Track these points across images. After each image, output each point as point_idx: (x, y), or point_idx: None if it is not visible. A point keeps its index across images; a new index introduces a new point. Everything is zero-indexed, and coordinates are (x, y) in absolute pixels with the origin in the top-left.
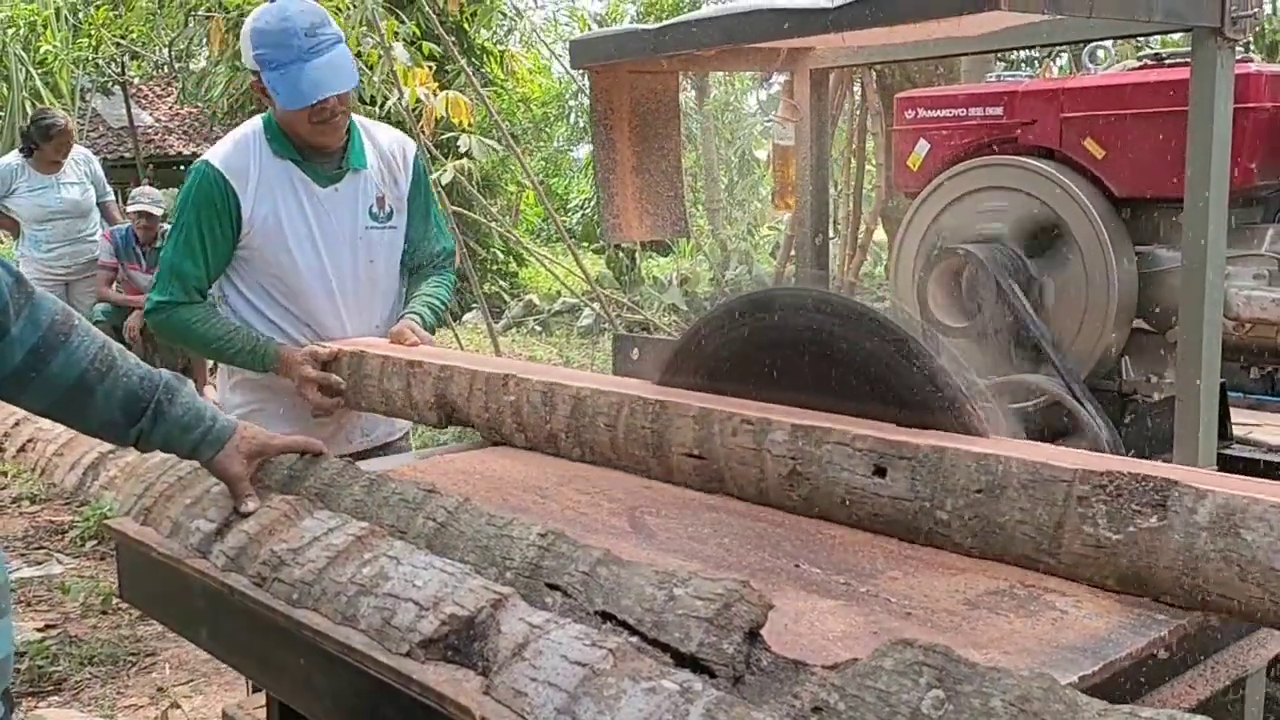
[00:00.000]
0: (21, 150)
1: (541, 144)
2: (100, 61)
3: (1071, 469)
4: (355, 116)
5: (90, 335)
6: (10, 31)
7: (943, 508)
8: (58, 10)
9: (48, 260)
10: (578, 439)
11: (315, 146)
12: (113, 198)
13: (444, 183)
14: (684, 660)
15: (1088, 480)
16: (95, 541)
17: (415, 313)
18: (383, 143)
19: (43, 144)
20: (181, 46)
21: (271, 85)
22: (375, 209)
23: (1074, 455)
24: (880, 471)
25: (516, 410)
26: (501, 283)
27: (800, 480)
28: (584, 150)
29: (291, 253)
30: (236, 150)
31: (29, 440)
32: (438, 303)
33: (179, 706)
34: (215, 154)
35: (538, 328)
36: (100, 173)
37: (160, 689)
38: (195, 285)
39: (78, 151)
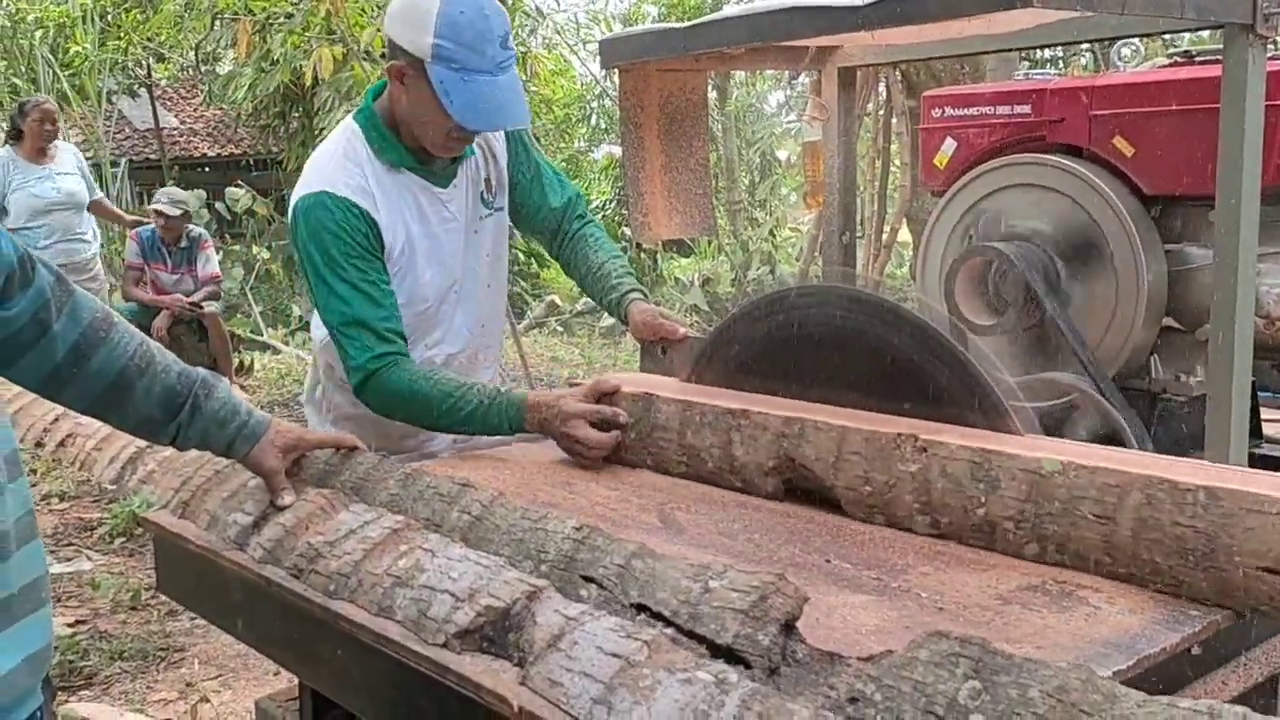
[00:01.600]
0: (8, 136)
1: (563, 145)
2: (128, 64)
3: None
4: None
5: (130, 332)
6: (39, 34)
7: None
8: (85, 13)
9: (44, 259)
10: (1036, 532)
11: (435, 154)
12: (102, 195)
13: None
14: (719, 652)
15: None
16: (124, 538)
17: (636, 291)
18: None
19: (22, 123)
20: (208, 49)
21: (443, 86)
22: (485, 194)
23: None
24: None
25: (923, 486)
26: (523, 283)
27: None
28: (604, 152)
29: (422, 273)
30: (348, 172)
31: (68, 435)
32: (622, 269)
33: (208, 700)
34: (328, 180)
35: (559, 328)
36: (86, 169)
37: (189, 684)
38: (389, 330)
39: (66, 145)
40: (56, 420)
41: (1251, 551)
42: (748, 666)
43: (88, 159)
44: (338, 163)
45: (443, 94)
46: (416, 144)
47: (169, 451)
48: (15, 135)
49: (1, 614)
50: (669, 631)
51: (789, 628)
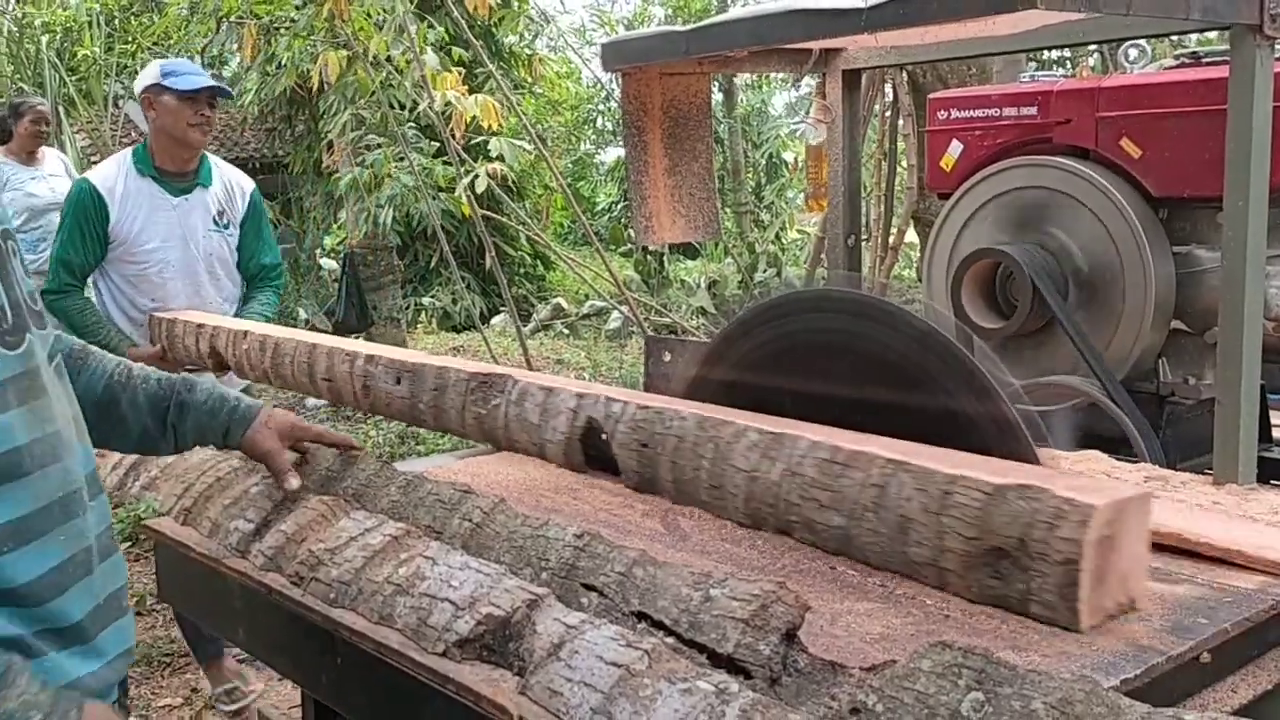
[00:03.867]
0: None
1: (569, 147)
2: (135, 68)
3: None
4: (210, 156)
5: (104, 356)
6: (46, 38)
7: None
8: (92, 17)
9: (38, 263)
10: (277, 373)
11: (185, 146)
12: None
13: (478, 191)
14: (720, 661)
15: (474, 379)
16: (129, 543)
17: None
18: (227, 175)
19: (15, 124)
20: (214, 53)
21: (174, 85)
22: (216, 219)
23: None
24: None
25: (228, 347)
26: (529, 285)
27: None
28: (610, 155)
29: (148, 248)
30: (107, 173)
31: None
32: (259, 318)
33: (213, 708)
34: (93, 175)
35: (565, 330)
36: (75, 173)
37: (194, 689)
38: (80, 272)
39: (52, 151)
40: None
41: (315, 373)
42: (748, 676)
43: (94, 164)
44: (105, 167)
45: (172, 83)
46: (162, 164)
47: (171, 457)
48: (4, 136)
49: (91, 622)
50: (669, 640)
51: (790, 637)
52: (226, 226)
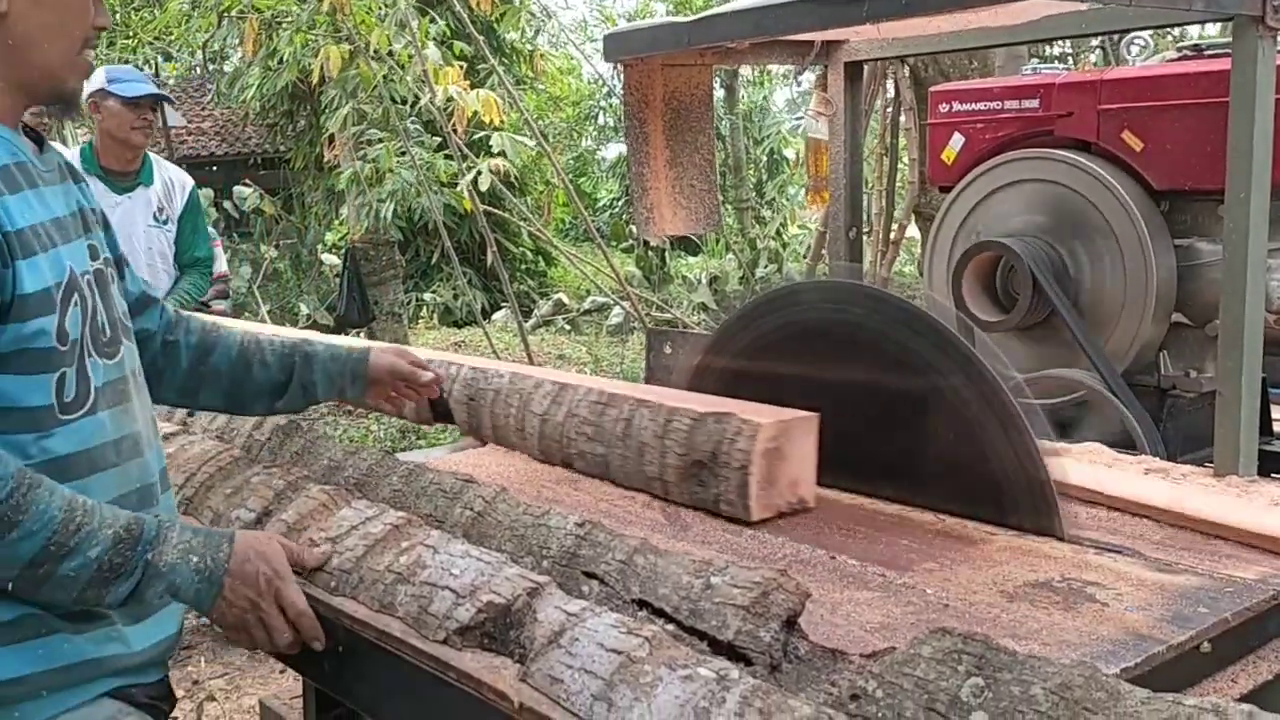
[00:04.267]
0: None
1: (571, 143)
2: (137, 64)
3: None
4: (152, 155)
5: (233, 329)
6: None
7: None
8: None
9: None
10: None
11: (127, 147)
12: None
13: (481, 189)
14: (721, 648)
15: None
16: None
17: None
18: (168, 173)
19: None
20: (215, 48)
21: (119, 90)
22: (156, 215)
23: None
24: None
25: None
26: (530, 281)
27: None
28: (612, 151)
29: None
30: None
31: None
32: (187, 298)
33: (214, 699)
34: None
35: (566, 326)
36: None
37: (196, 682)
38: None
39: (58, 146)
40: None
41: None
42: (749, 663)
43: None
44: None
45: (117, 89)
46: (107, 163)
47: (174, 447)
48: None
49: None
50: (670, 628)
51: (790, 624)
52: (165, 223)
